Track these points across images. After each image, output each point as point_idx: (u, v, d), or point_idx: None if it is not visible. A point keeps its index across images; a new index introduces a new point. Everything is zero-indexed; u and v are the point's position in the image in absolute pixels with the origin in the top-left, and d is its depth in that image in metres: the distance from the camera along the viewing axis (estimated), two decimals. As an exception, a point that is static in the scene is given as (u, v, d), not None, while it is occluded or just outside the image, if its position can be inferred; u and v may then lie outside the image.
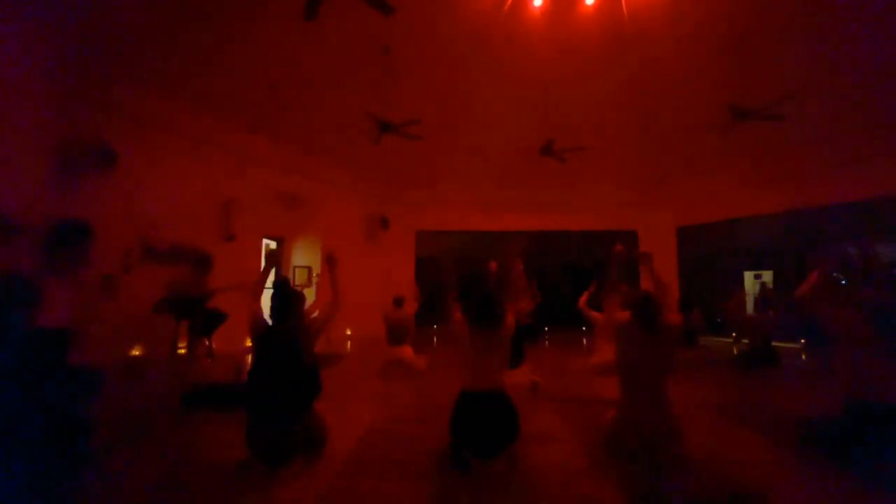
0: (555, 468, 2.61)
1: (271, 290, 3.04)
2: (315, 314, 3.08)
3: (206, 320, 5.91)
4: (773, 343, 5.79)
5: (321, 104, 7.99)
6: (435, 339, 9.17)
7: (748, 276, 10.98)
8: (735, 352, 7.57)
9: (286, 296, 2.89)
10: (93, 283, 5.60)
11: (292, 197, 8.80)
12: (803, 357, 7.18)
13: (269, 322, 2.78)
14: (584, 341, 9.13)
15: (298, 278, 8.91)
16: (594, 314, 3.29)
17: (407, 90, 8.10)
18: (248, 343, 4.90)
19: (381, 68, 7.40)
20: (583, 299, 3.61)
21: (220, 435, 3.07)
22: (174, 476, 2.48)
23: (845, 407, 2.58)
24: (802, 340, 8.01)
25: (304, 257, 9.27)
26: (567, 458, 2.78)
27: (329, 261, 3.21)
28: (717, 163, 9.53)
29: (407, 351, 5.69)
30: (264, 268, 3.03)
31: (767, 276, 11.16)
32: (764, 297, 5.70)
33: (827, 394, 2.92)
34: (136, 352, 5.91)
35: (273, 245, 9.03)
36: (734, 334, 8.96)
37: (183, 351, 5.98)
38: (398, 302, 5.66)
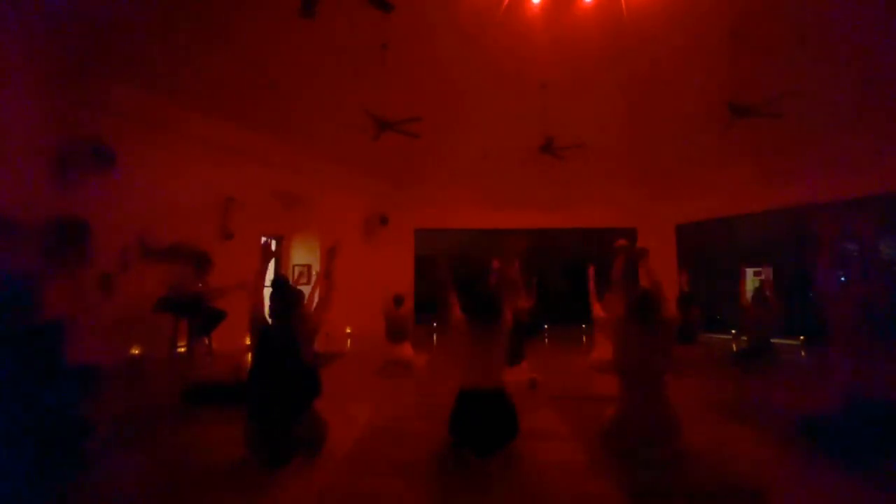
0: (554, 465, 2.61)
1: (270, 289, 3.04)
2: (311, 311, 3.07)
3: (205, 319, 5.91)
4: (772, 340, 5.79)
5: (320, 102, 7.97)
6: (435, 337, 9.17)
7: (748, 272, 10.98)
8: (735, 348, 7.58)
9: (285, 294, 2.89)
10: (91, 281, 5.61)
11: (291, 195, 8.79)
12: (802, 354, 7.19)
13: (269, 320, 2.78)
14: (584, 338, 9.14)
15: (298, 276, 8.91)
16: (599, 311, 3.25)
17: (406, 88, 8.09)
18: (248, 341, 4.91)
19: (379, 66, 7.38)
20: (592, 289, 3.56)
21: (219, 434, 3.06)
22: (172, 476, 2.48)
23: (844, 403, 2.58)
24: (801, 337, 8.02)
25: (304, 255, 9.26)
26: (566, 455, 2.78)
27: (330, 251, 3.20)
28: (716, 160, 9.52)
29: (406, 349, 5.70)
30: (261, 264, 3.01)
31: (767, 272, 11.16)
32: (762, 291, 5.69)
33: (826, 390, 2.93)
34: (135, 350, 5.91)
35: (272, 243, 9.02)
36: (733, 331, 8.98)
37: (182, 350, 5.99)
38: (398, 300, 5.66)
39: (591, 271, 3.75)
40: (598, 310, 3.35)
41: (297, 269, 9.10)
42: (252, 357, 2.64)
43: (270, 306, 2.84)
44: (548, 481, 2.43)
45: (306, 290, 3.40)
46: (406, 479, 2.42)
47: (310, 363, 2.66)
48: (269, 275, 8.54)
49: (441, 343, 8.41)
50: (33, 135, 5.21)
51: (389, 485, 2.38)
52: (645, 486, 2.37)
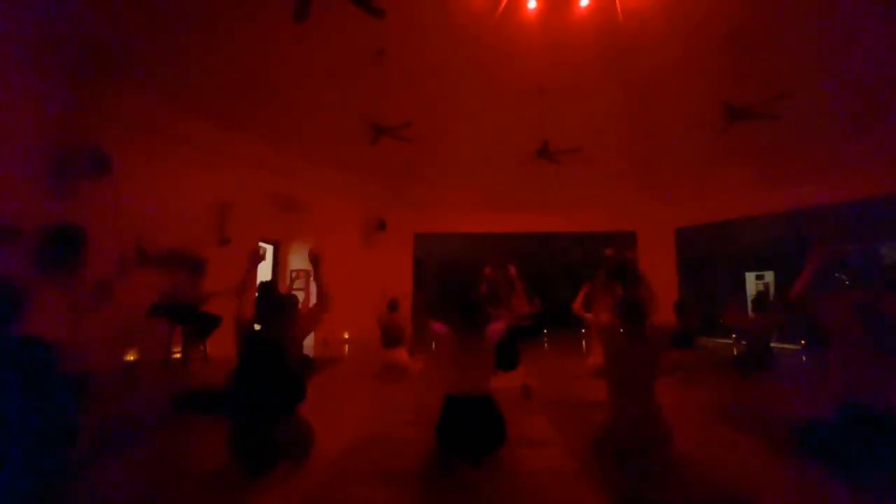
0: (542, 472, 2.57)
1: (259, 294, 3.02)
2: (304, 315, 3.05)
3: (200, 325, 5.89)
4: (772, 345, 5.72)
5: (317, 107, 7.99)
6: (433, 344, 9.12)
7: (749, 276, 10.89)
8: (735, 353, 7.51)
9: (272, 299, 2.88)
10: (87, 287, 5.60)
11: (288, 200, 8.79)
12: (803, 359, 7.10)
13: (256, 326, 2.75)
14: (583, 343, 9.06)
15: (295, 282, 8.90)
16: (587, 315, 3.27)
17: (403, 92, 8.10)
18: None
19: (376, 71, 7.40)
20: (577, 302, 3.57)
21: (207, 440, 3.03)
22: (157, 482, 2.45)
23: (838, 410, 2.53)
24: (802, 342, 7.93)
25: (301, 260, 9.24)
26: (555, 462, 2.74)
27: (313, 259, 3.13)
28: (716, 163, 9.49)
29: (402, 354, 5.67)
30: (248, 268, 2.97)
31: (769, 276, 11.08)
32: (759, 299, 5.64)
33: (823, 397, 2.87)
34: (130, 356, 5.89)
35: (263, 249, 9.01)
36: (734, 336, 8.89)
37: (178, 355, 5.97)
38: (392, 305, 5.64)
39: (587, 287, 3.75)
40: (587, 317, 3.33)
41: (292, 274, 9.08)
42: (237, 361, 2.61)
43: (257, 312, 2.82)
44: (535, 489, 2.39)
45: (302, 295, 3.37)
46: (392, 487, 2.39)
47: (295, 368, 2.62)
48: (264, 278, 8.54)
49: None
50: (29, 140, 5.23)
51: (375, 492, 2.34)
52: (635, 494, 2.33)
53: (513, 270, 5.13)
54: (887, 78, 7.01)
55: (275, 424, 2.46)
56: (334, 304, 3.18)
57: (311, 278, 8.51)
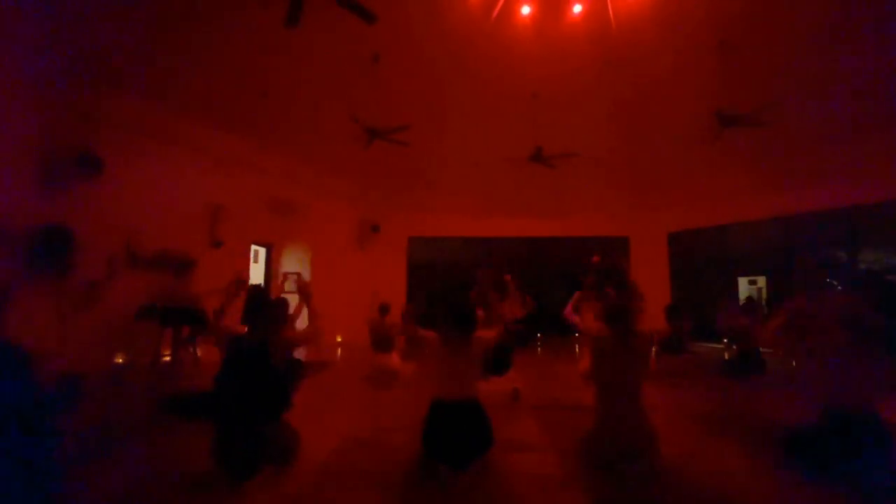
0: (528, 478, 2.56)
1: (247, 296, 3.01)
2: (296, 328, 3.05)
3: (190, 326, 5.85)
4: (762, 350, 5.75)
5: (311, 110, 7.99)
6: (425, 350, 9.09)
7: (742, 281, 10.96)
8: (726, 358, 7.53)
9: (260, 303, 2.87)
10: (77, 289, 5.56)
11: (281, 203, 8.77)
12: (793, 364, 7.14)
13: (239, 331, 2.74)
14: (577, 348, 9.07)
15: (286, 284, 8.85)
16: (576, 319, 3.29)
17: (398, 97, 8.11)
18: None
19: (370, 75, 7.42)
20: (568, 308, 3.58)
21: (192, 444, 3.01)
22: (137, 488, 2.43)
23: (822, 416, 2.54)
24: (793, 347, 7.96)
25: (294, 263, 9.22)
26: (542, 467, 2.73)
27: (302, 292, 3.18)
28: (708, 169, 9.56)
29: (393, 358, 5.65)
30: (227, 296, 2.92)
31: (761, 281, 11.14)
32: (748, 304, 5.68)
33: (808, 403, 2.89)
34: (119, 359, 5.84)
35: (261, 250, 8.97)
36: (725, 341, 8.92)
37: (167, 358, 5.93)
38: (383, 309, 5.63)
39: (578, 294, 3.75)
40: (577, 322, 3.34)
41: (283, 276, 9.05)
42: (221, 365, 2.59)
43: (244, 314, 2.81)
44: (521, 494, 2.38)
45: (293, 298, 3.35)
46: (376, 492, 2.37)
47: (280, 374, 2.61)
48: (256, 280, 8.46)
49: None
50: (19, 141, 5.20)
51: (360, 496, 2.33)
52: (620, 501, 2.33)
53: (508, 278, 5.18)
54: (878, 86, 7.09)
55: (258, 430, 2.43)
56: (325, 322, 3.21)
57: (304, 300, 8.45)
